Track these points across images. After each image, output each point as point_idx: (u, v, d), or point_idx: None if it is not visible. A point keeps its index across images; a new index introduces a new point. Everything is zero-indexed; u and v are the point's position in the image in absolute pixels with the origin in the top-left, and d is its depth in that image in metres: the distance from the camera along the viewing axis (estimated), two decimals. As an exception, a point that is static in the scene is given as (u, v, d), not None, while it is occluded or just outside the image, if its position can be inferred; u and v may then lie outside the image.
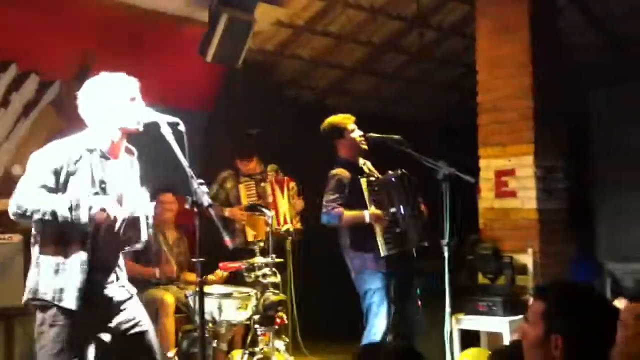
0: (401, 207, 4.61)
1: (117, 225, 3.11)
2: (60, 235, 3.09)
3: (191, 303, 4.80)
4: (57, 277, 3.07)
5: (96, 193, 3.14)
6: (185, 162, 3.05)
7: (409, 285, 4.78)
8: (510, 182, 5.42)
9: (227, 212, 5.83)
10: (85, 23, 5.33)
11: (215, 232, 3.11)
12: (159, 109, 3.26)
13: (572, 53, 6.02)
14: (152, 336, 3.35)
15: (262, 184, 5.90)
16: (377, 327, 4.54)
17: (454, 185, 4.31)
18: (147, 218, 3.27)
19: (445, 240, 4.20)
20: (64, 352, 3.06)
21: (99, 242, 3.14)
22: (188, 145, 3.07)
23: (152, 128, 3.20)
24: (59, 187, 3.08)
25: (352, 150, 4.84)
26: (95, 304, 3.14)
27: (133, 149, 3.40)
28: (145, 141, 3.31)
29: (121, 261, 3.36)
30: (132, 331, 3.27)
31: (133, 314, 3.30)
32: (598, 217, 6.10)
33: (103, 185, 3.17)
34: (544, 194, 5.38)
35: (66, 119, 5.55)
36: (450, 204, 4.16)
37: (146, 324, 3.34)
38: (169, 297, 5.17)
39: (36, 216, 3.02)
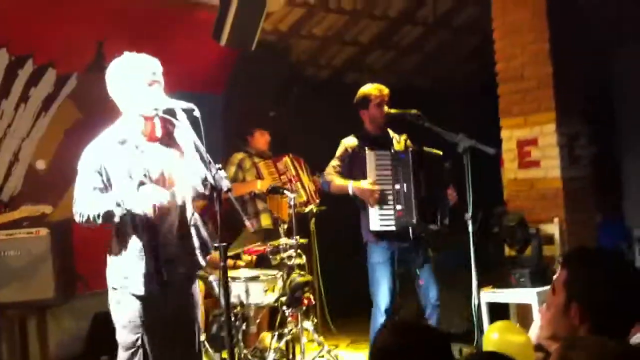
0: (405, 185, 4.52)
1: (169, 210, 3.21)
2: (119, 226, 3.21)
3: (216, 288, 4.82)
4: (121, 265, 3.23)
5: (142, 183, 3.17)
6: (202, 148, 3.05)
7: (419, 259, 4.74)
8: (533, 151, 5.34)
9: (258, 184, 5.78)
10: (97, 13, 5.33)
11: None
12: (174, 95, 3.25)
13: (591, 11, 5.85)
14: (195, 326, 3.44)
15: (282, 160, 5.89)
16: (380, 301, 4.54)
17: (477, 158, 4.26)
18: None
19: (469, 214, 4.16)
20: (130, 326, 3.22)
21: (157, 231, 3.23)
22: (205, 127, 3.06)
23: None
24: (107, 184, 3.19)
25: (373, 123, 4.79)
26: (161, 287, 3.24)
27: (173, 120, 3.32)
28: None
29: (194, 233, 3.38)
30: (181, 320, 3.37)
31: (186, 302, 3.39)
32: (626, 181, 5.98)
33: (145, 174, 3.19)
34: (568, 162, 5.30)
35: (84, 110, 5.60)
36: (472, 176, 4.11)
37: (195, 318, 3.45)
38: (198, 283, 5.19)
39: (99, 220, 3.15)
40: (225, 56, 6.39)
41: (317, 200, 5.97)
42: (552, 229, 5.13)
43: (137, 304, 3.22)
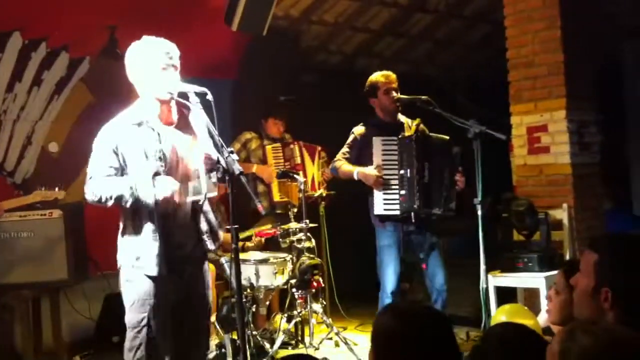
0: (408, 170, 4.57)
1: (183, 203, 3.26)
2: (134, 208, 3.22)
3: (227, 270, 4.88)
4: (134, 245, 3.24)
5: (157, 168, 3.20)
6: (214, 132, 3.08)
7: (427, 244, 4.77)
8: (543, 137, 5.35)
9: (254, 168, 5.87)
10: (111, -3, 5.36)
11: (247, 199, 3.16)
12: (186, 80, 3.28)
13: (602, 2, 5.85)
14: (205, 310, 3.47)
15: (291, 147, 5.94)
16: (387, 284, 4.61)
17: (487, 144, 4.29)
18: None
19: (478, 199, 4.20)
20: (137, 304, 3.25)
21: (175, 213, 3.27)
22: (216, 112, 3.09)
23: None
24: (123, 165, 3.22)
25: (383, 110, 4.84)
26: (172, 269, 3.27)
27: (187, 103, 3.26)
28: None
29: (206, 214, 3.41)
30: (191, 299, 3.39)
31: (196, 285, 3.42)
32: (634, 169, 6.00)
33: (160, 156, 3.22)
34: (578, 149, 5.31)
35: (97, 94, 5.64)
36: (482, 162, 4.15)
37: (206, 297, 3.47)
38: (209, 266, 5.23)
39: (110, 203, 3.19)
40: (236, 42, 6.41)
41: (323, 193, 6.01)
42: (561, 214, 5.15)
43: (147, 283, 3.24)
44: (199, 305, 3.45)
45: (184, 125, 3.37)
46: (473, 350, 2.32)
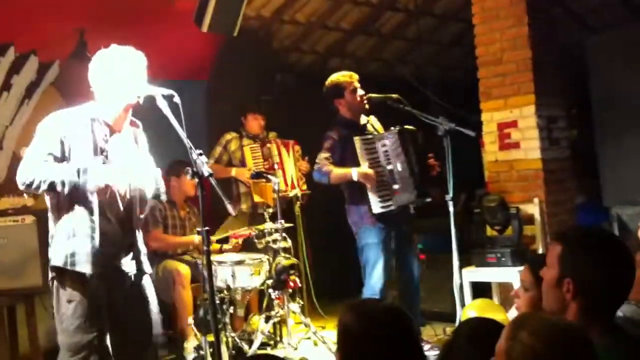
0: (398, 164, 4.63)
1: (120, 198, 3.22)
2: (70, 205, 3.15)
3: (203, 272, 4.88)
4: (68, 243, 3.15)
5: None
6: (183, 134, 3.08)
7: (408, 240, 4.84)
8: (513, 133, 5.41)
9: (233, 171, 5.87)
10: (79, 0, 5.32)
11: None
12: (158, 82, 3.29)
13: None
14: (151, 322, 3.37)
15: (268, 145, 5.95)
16: (374, 282, 4.63)
17: (460, 141, 4.34)
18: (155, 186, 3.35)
19: (450, 196, 4.26)
20: (83, 326, 3.13)
21: (109, 215, 3.22)
22: (191, 114, 3.11)
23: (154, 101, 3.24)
24: (65, 156, 3.14)
25: (352, 110, 4.87)
26: (106, 276, 3.21)
27: (137, 122, 3.45)
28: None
29: (140, 239, 3.40)
30: (133, 312, 3.33)
31: (141, 295, 3.36)
32: (602, 162, 6.08)
33: (105, 154, 3.23)
34: (547, 144, 5.39)
35: (67, 97, 5.59)
36: (452, 159, 4.21)
37: (149, 309, 3.38)
38: (183, 268, 5.24)
39: (44, 186, 3.06)
40: (208, 43, 6.40)
41: (303, 187, 6.03)
42: (532, 209, 5.23)
43: (93, 300, 3.13)
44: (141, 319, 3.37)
45: (131, 137, 3.42)
46: (444, 346, 2.35)
